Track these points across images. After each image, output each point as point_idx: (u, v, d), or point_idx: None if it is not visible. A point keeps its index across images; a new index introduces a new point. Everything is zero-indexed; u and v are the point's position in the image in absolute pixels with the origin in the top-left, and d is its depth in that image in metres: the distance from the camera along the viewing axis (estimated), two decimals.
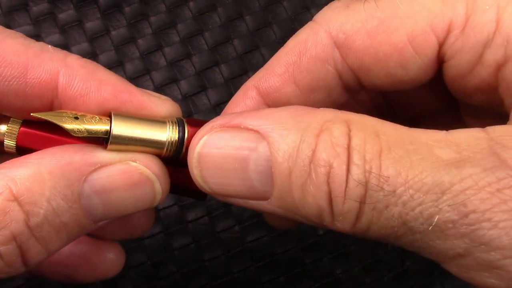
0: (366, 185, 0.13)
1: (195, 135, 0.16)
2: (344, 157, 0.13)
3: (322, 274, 0.31)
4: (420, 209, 0.12)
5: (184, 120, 0.18)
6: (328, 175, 0.13)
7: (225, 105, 0.32)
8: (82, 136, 0.16)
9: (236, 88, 0.21)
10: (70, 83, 0.17)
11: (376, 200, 0.12)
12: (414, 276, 0.32)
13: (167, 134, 0.17)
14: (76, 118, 0.16)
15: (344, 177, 0.13)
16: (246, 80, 0.21)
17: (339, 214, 0.13)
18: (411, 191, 0.12)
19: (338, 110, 0.14)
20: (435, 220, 0.12)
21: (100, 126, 0.16)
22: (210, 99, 0.33)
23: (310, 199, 0.14)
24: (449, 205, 0.12)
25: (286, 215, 0.15)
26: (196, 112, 0.32)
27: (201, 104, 0.33)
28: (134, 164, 0.16)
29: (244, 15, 0.34)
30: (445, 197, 0.12)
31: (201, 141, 0.15)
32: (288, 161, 0.14)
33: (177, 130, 0.17)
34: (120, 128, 0.16)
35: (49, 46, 0.18)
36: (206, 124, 0.16)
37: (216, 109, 0.33)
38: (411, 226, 0.12)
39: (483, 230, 0.12)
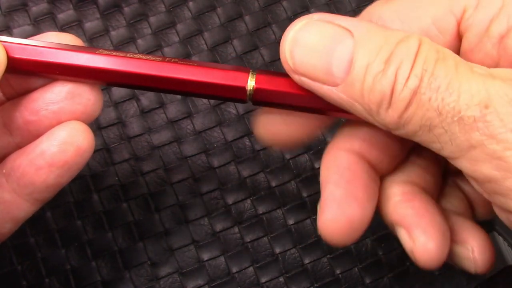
0: (420, 79, 0.17)
1: (296, 20, 0.19)
2: (411, 58, 0.17)
3: (322, 274, 0.31)
4: (454, 104, 0.16)
5: None
6: (397, 70, 0.17)
7: (224, 105, 0.33)
8: None
9: None
10: None
11: (424, 91, 0.16)
12: (414, 276, 0.32)
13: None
14: None
15: (408, 71, 0.17)
16: None
17: (394, 102, 0.17)
18: (450, 90, 0.16)
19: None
20: (462, 113, 0.16)
21: None
22: (210, 99, 0.33)
23: (378, 86, 0.17)
24: (475, 105, 0.16)
25: (343, 104, 0.18)
26: (196, 112, 0.32)
27: (200, 104, 0.33)
28: None
29: (243, 15, 0.34)
30: (474, 99, 0.16)
31: (301, 24, 0.18)
32: (369, 56, 0.17)
33: None
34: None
35: None
36: (305, 16, 0.19)
37: (216, 109, 0.33)
38: (443, 118, 0.16)
39: (495, 126, 0.16)
